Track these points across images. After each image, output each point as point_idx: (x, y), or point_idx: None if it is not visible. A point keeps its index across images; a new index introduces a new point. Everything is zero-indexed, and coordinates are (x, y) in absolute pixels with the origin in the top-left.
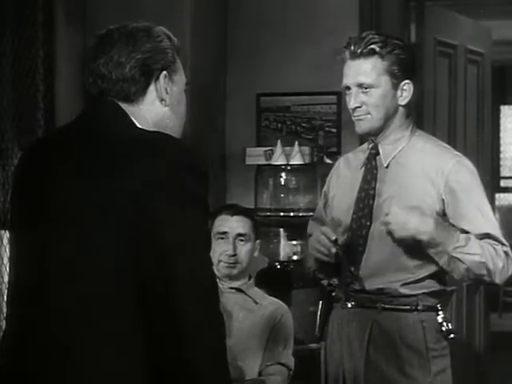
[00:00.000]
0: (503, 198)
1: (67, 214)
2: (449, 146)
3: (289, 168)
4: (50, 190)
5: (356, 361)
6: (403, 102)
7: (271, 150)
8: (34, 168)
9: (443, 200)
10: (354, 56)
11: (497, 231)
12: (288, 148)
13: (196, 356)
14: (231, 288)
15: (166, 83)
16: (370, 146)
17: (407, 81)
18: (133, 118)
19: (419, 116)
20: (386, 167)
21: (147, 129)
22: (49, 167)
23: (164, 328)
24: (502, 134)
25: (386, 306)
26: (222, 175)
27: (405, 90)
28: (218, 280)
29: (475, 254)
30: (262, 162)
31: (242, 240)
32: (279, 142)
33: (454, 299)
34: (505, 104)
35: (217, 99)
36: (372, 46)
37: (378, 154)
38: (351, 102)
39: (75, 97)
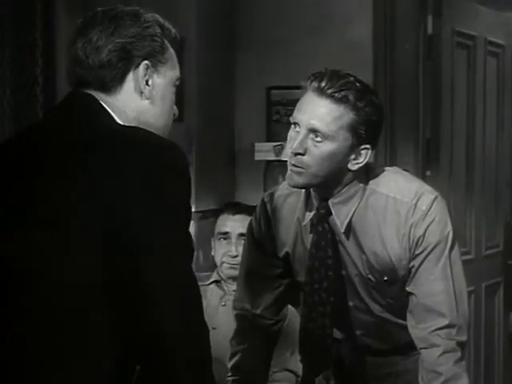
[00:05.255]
0: None
1: (36, 215)
2: (413, 182)
3: None
4: (20, 191)
5: None
6: (353, 168)
7: (281, 145)
8: (4, 168)
9: (415, 255)
10: (321, 93)
11: (456, 309)
12: None
13: (179, 370)
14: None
15: (148, 74)
16: (317, 204)
17: (368, 146)
18: (111, 112)
19: (437, 111)
20: (344, 233)
21: (126, 124)
22: (18, 167)
23: (142, 340)
24: None
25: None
26: (231, 171)
27: (361, 155)
28: (222, 282)
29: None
30: (272, 157)
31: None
32: None
33: (473, 301)
34: None
35: (225, 93)
36: (346, 93)
37: (329, 213)
38: (294, 145)
39: None
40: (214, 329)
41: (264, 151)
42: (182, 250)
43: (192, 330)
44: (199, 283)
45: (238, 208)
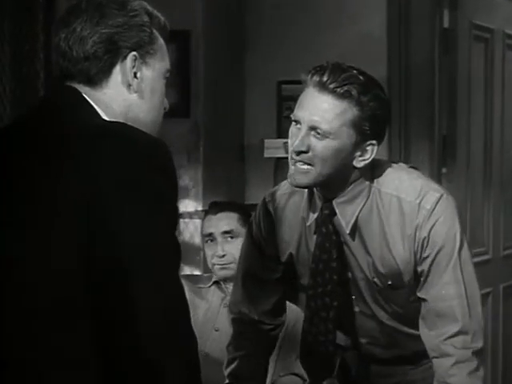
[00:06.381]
0: None
1: (15, 214)
2: (418, 180)
3: None
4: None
5: None
6: (359, 165)
7: None
8: None
9: (423, 258)
10: (322, 88)
11: (468, 313)
12: None
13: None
14: None
15: (137, 66)
16: (321, 204)
17: (374, 142)
18: (96, 107)
19: (453, 107)
20: (349, 234)
21: (113, 119)
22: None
23: (124, 343)
24: None
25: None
26: (240, 169)
27: (366, 151)
28: (222, 283)
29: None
30: (282, 154)
31: (230, 237)
32: None
33: (490, 303)
34: None
35: (234, 87)
36: (349, 87)
37: (333, 214)
38: (296, 143)
39: None
40: (216, 330)
41: (274, 148)
42: (167, 252)
43: (178, 333)
44: (201, 285)
45: (219, 207)
